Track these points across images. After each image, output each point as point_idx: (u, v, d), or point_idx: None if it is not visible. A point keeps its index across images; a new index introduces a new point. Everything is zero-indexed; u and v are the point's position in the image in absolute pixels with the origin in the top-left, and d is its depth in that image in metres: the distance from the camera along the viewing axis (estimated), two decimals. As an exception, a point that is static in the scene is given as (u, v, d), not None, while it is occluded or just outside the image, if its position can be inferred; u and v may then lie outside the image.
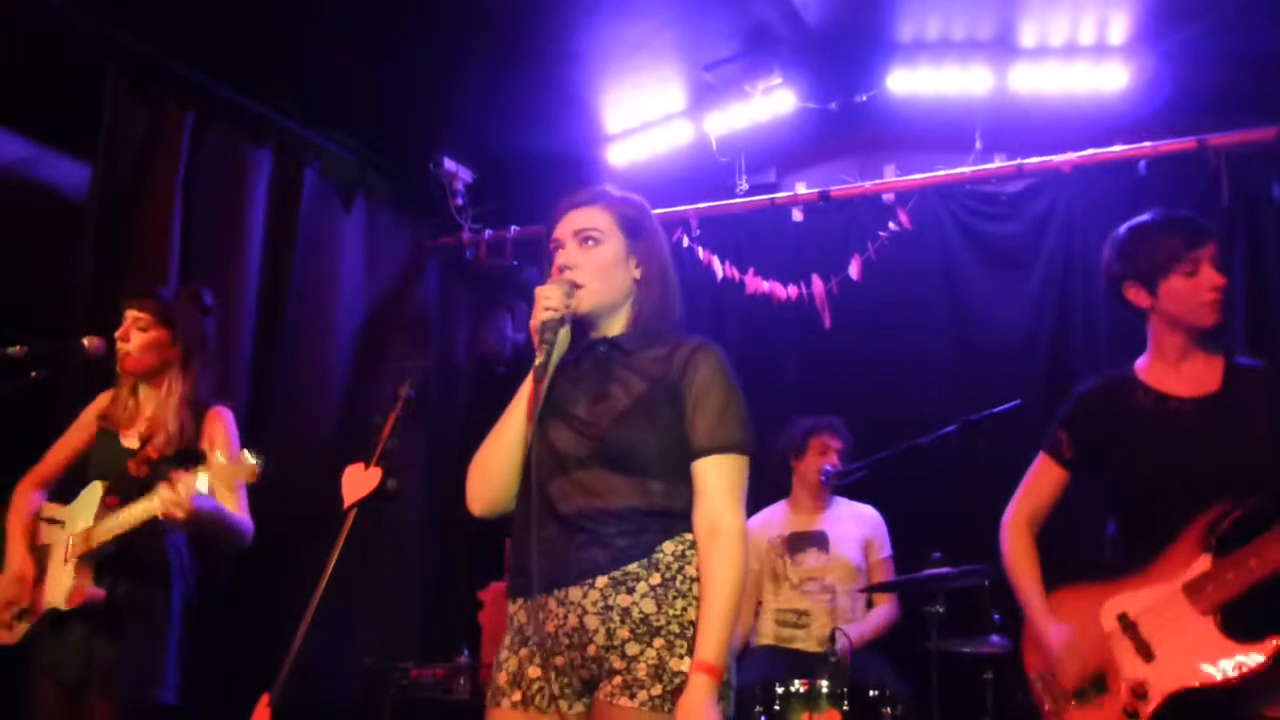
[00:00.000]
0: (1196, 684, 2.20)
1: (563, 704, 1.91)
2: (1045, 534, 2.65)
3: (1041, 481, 2.63)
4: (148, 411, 2.96)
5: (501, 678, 1.95)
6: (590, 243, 2.07)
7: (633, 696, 1.82)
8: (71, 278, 3.57)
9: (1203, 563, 2.26)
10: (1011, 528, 2.64)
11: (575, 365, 2.06)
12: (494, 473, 2.02)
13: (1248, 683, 2.16)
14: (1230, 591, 2.20)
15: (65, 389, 3.34)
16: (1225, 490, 2.28)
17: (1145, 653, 2.28)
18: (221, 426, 2.98)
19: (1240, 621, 2.20)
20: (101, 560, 2.77)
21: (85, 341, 2.87)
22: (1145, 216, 2.52)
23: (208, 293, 3.11)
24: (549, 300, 1.99)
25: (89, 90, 3.69)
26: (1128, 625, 2.32)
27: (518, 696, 1.92)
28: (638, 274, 2.10)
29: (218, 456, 2.59)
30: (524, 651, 1.94)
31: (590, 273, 2.04)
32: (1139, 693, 2.26)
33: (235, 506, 2.87)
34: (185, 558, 2.94)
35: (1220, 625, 2.21)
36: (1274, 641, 2.15)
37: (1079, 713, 2.36)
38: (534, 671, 1.92)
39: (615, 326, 2.10)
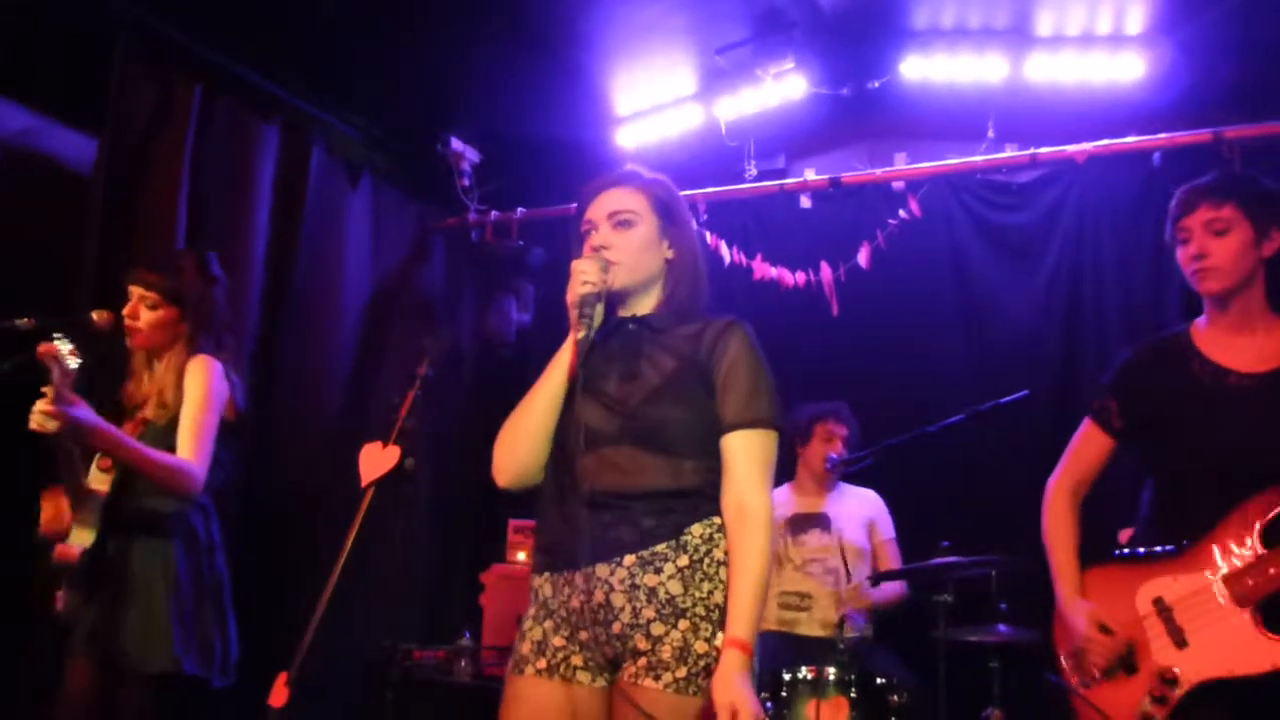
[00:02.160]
0: (1227, 675, 2.17)
1: (584, 676, 1.91)
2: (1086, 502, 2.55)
3: (1087, 449, 2.53)
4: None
5: (525, 647, 1.96)
6: (625, 225, 2.06)
7: (657, 678, 1.83)
8: (79, 251, 3.54)
9: (1245, 554, 2.21)
10: (1053, 495, 2.55)
11: (604, 343, 2.05)
12: (523, 444, 2.01)
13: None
14: (1271, 586, 2.17)
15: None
16: (1276, 477, 2.22)
17: (1178, 639, 2.26)
18: (196, 370, 2.85)
19: (1278, 617, 2.17)
20: (103, 526, 2.77)
21: (94, 315, 2.84)
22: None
23: (214, 258, 3.06)
24: (586, 275, 1.97)
25: (97, 62, 3.65)
26: (1163, 609, 2.29)
27: (542, 664, 1.92)
28: (670, 255, 2.10)
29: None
30: (549, 623, 1.95)
31: (625, 253, 2.04)
32: (1168, 678, 2.23)
33: (190, 449, 2.77)
34: (198, 530, 2.91)
35: (1257, 619, 2.18)
36: None
37: (1106, 692, 2.33)
38: (559, 641, 1.93)
39: (645, 306, 2.09)
